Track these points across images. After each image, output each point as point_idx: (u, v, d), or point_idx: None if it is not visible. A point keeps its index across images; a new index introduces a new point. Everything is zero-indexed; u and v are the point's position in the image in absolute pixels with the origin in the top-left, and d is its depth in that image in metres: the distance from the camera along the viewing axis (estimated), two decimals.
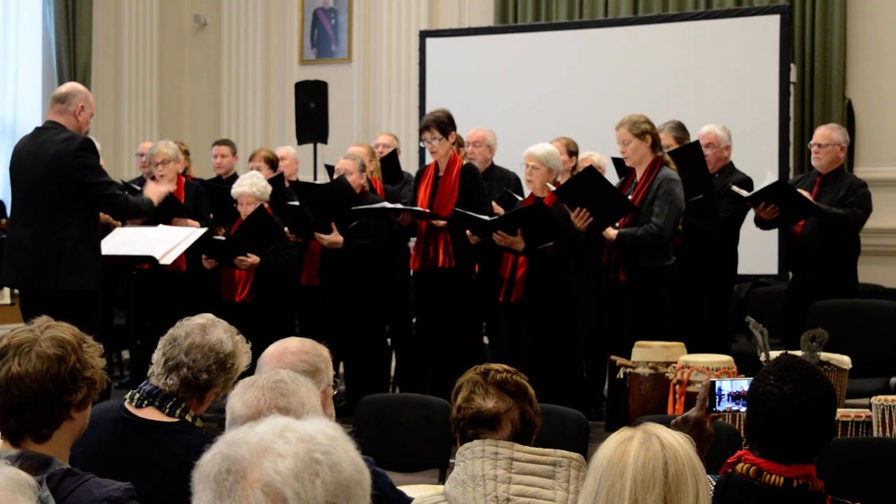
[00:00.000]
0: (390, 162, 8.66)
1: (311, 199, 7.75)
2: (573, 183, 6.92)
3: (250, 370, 3.15)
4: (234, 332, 3.41)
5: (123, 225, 7.60)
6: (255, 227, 7.46)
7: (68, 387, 2.68)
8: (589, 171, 6.92)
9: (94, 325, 6.14)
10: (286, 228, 7.70)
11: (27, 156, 6.34)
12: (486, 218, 7.00)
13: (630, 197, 6.87)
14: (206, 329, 3.35)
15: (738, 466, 2.83)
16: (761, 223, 7.37)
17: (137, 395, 3.33)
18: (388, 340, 8.48)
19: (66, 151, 6.20)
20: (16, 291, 7.86)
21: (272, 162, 8.69)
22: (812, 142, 7.48)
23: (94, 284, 6.36)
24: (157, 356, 3.35)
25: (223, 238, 7.51)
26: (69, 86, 6.54)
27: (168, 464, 3.16)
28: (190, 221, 7.66)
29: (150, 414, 3.31)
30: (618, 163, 7.70)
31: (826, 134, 7.38)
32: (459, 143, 8.06)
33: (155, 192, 6.94)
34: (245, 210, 7.61)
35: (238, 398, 2.80)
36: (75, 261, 6.25)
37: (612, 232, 6.76)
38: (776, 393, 2.79)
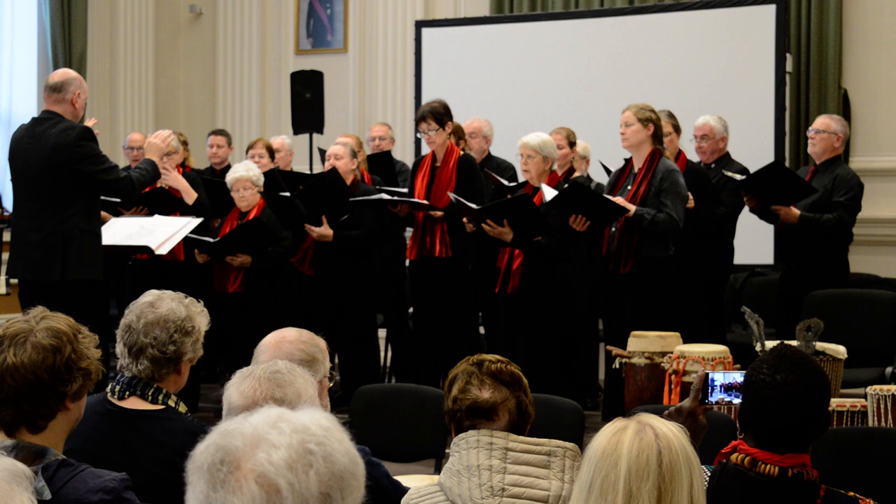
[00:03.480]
0: (383, 162, 8.61)
1: (303, 190, 7.74)
2: (561, 197, 6.91)
3: (245, 360, 3.14)
4: (182, 297, 3.42)
5: (119, 215, 7.60)
6: (246, 235, 7.46)
7: (63, 377, 2.68)
8: (573, 186, 6.92)
9: (98, 313, 6.14)
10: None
11: (25, 147, 6.32)
12: (474, 206, 7.00)
13: (630, 188, 6.87)
14: (155, 304, 3.36)
15: (733, 457, 2.84)
16: (759, 212, 7.37)
17: (118, 387, 3.33)
18: (385, 331, 8.49)
19: (65, 142, 6.18)
20: (13, 281, 7.85)
21: (272, 151, 8.68)
22: (810, 128, 7.48)
23: (100, 273, 6.39)
24: (119, 349, 3.35)
25: (211, 240, 7.50)
26: (62, 73, 6.48)
27: (158, 452, 3.16)
28: (190, 190, 7.64)
29: (134, 403, 3.31)
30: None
31: (825, 122, 7.36)
32: (460, 134, 8.05)
33: (154, 148, 6.70)
34: (240, 195, 7.60)
35: (235, 388, 2.80)
36: (83, 250, 6.26)
37: (630, 207, 6.76)
38: (769, 382, 2.80)
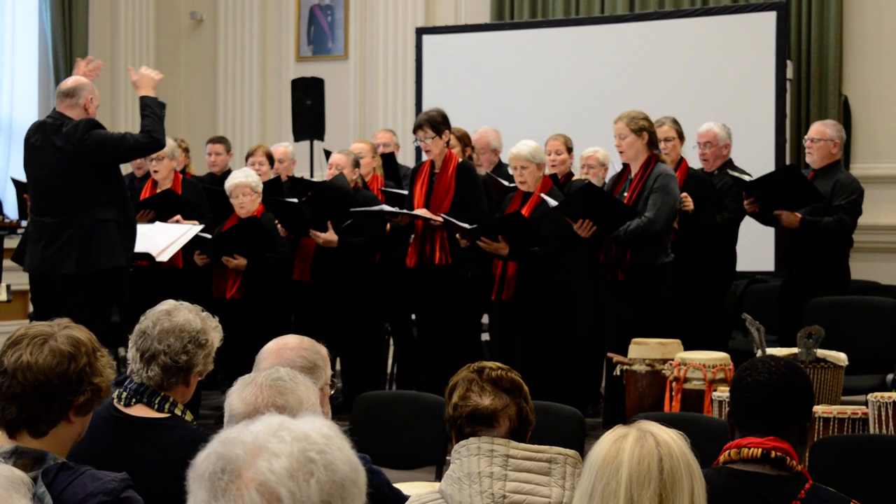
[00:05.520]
0: (389, 164, 8.65)
1: (309, 197, 7.75)
2: (572, 200, 6.92)
3: (245, 367, 3.14)
4: (199, 310, 3.44)
5: None
6: (244, 234, 7.46)
7: (73, 387, 2.68)
8: (588, 188, 6.92)
9: (116, 303, 6.14)
10: (277, 222, 7.70)
11: (38, 149, 6.42)
12: (466, 226, 7.02)
13: (626, 194, 6.88)
14: (172, 313, 3.37)
15: (721, 457, 2.87)
16: (759, 216, 7.36)
17: (125, 394, 3.33)
18: (388, 338, 8.48)
19: (74, 138, 6.29)
20: (14, 289, 7.87)
21: (272, 159, 8.68)
22: (806, 136, 7.48)
23: (122, 259, 6.43)
24: (131, 353, 3.35)
25: (209, 236, 7.52)
26: (75, 80, 6.59)
27: (161, 460, 3.16)
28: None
29: (140, 411, 3.31)
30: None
31: (819, 130, 7.35)
32: (466, 141, 8.07)
33: (147, 81, 6.68)
34: (239, 202, 7.59)
35: (236, 395, 2.80)
36: (100, 241, 6.30)
37: None
38: (747, 368, 2.99)
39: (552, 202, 6.93)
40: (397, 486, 3.42)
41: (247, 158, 8.76)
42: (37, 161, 6.39)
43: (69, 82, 6.53)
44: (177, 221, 7.58)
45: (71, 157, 6.28)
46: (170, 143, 8.03)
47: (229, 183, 7.70)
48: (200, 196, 7.98)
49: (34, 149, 6.43)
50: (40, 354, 2.66)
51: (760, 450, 2.83)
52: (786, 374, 2.94)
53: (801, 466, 2.87)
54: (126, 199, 6.60)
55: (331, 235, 7.66)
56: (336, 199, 7.63)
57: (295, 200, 7.81)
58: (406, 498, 3.26)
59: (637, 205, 6.80)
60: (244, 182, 7.61)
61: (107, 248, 6.32)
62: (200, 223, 7.55)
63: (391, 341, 8.63)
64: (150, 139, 6.50)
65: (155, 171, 7.84)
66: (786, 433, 2.88)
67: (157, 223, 7.46)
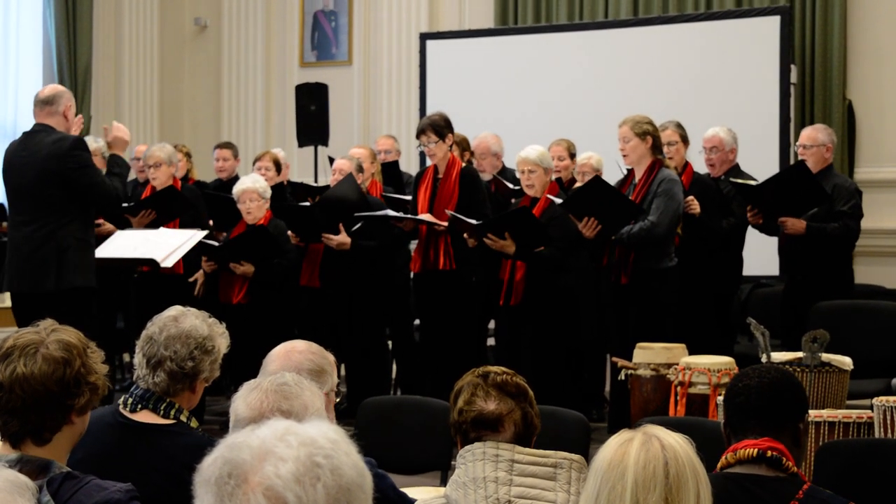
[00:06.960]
0: (392, 172, 8.64)
1: (321, 200, 7.75)
2: (579, 194, 6.92)
3: (250, 373, 3.14)
4: (206, 316, 3.43)
5: (126, 225, 7.60)
6: (252, 242, 7.46)
7: (72, 391, 2.68)
8: (596, 182, 6.92)
9: (93, 322, 6.17)
10: (290, 232, 7.70)
11: (20, 160, 6.36)
12: (473, 222, 7.02)
13: (630, 198, 6.88)
14: (179, 319, 3.37)
15: (718, 464, 2.88)
16: (762, 226, 7.35)
17: (131, 400, 3.33)
18: (389, 343, 8.48)
19: (59, 151, 6.22)
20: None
21: (279, 164, 8.69)
22: (798, 143, 7.49)
23: (94, 280, 6.40)
24: (137, 359, 3.35)
25: (216, 244, 7.52)
26: (53, 87, 6.55)
27: (167, 466, 3.16)
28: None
29: (146, 417, 3.31)
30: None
31: (811, 135, 7.37)
32: (464, 146, 8.06)
33: (122, 143, 6.79)
34: (247, 207, 7.59)
35: (242, 400, 2.80)
36: (79, 258, 6.27)
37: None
38: (738, 376, 3.07)
39: (558, 200, 6.94)
40: (403, 490, 3.42)
41: (254, 164, 8.76)
42: (20, 169, 6.34)
43: (46, 90, 6.47)
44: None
45: (53, 166, 6.22)
46: (168, 149, 8.01)
47: (237, 188, 7.70)
48: (200, 203, 7.97)
49: (18, 157, 6.39)
50: (34, 364, 2.64)
51: (756, 450, 2.85)
52: (776, 378, 2.99)
53: (798, 470, 2.87)
54: (93, 220, 6.60)
55: (344, 238, 7.65)
56: (347, 202, 7.62)
57: (307, 204, 7.80)
58: (412, 502, 3.27)
59: (642, 209, 6.79)
60: (252, 188, 7.62)
61: (82, 267, 6.30)
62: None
63: (392, 346, 8.62)
64: (115, 198, 6.55)
65: (153, 179, 7.83)
66: (780, 434, 2.90)
67: (161, 228, 7.46)
